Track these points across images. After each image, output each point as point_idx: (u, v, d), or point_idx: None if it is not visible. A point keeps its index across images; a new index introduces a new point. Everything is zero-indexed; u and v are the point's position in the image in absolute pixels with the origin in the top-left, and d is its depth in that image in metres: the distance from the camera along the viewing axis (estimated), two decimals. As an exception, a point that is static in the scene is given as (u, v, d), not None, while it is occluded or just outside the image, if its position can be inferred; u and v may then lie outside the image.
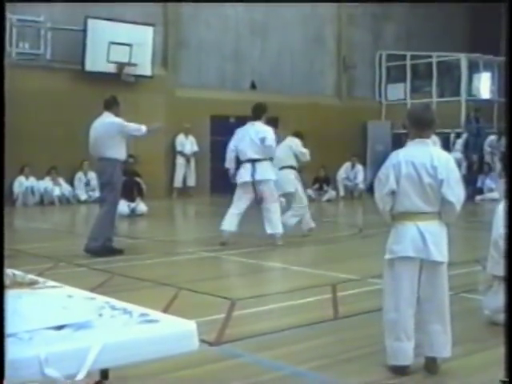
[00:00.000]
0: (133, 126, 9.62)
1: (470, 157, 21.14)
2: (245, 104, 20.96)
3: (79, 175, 18.56)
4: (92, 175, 18.65)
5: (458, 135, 21.45)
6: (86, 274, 8.09)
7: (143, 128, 9.62)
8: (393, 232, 4.59)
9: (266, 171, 10.38)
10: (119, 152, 9.55)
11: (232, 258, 9.48)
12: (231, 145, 10.76)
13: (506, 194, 4.41)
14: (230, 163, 10.71)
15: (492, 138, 21.10)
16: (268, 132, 10.50)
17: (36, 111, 17.30)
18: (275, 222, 10.44)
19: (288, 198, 11.61)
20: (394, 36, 25.40)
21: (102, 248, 9.34)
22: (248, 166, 10.38)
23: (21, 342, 2.22)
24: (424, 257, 4.43)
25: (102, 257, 9.12)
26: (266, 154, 10.44)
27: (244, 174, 10.41)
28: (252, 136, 10.43)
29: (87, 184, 18.58)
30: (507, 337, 2.80)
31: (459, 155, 20.27)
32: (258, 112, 10.75)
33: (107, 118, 9.66)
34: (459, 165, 18.63)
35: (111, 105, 9.77)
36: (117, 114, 9.72)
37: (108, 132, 9.47)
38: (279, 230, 10.44)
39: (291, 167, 11.55)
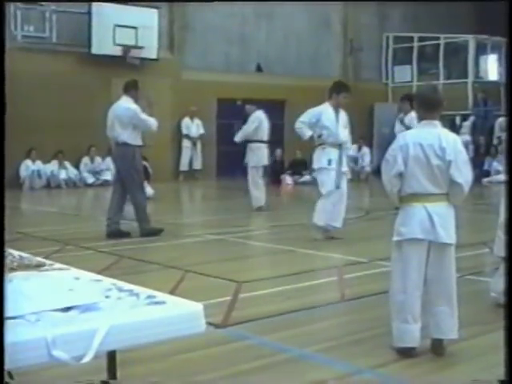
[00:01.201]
0: (145, 120, 9.56)
1: (477, 139, 21.06)
2: (251, 87, 21.15)
3: (85, 160, 18.58)
4: (98, 160, 18.70)
5: (465, 118, 21.34)
6: (93, 257, 8.11)
7: (154, 125, 9.58)
8: (401, 214, 4.58)
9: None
10: (135, 138, 9.58)
11: (238, 241, 9.48)
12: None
13: (505, 195, 4.41)
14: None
15: (501, 119, 20.99)
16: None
17: (42, 94, 17.29)
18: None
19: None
20: (401, 18, 25.24)
21: (150, 229, 9.56)
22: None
23: (28, 324, 2.22)
24: (432, 239, 4.41)
25: (149, 236, 9.38)
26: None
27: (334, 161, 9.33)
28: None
29: (96, 172, 18.62)
30: (507, 337, 2.78)
31: (467, 137, 20.18)
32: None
33: (124, 103, 9.63)
34: (467, 147, 18.58)
35: (130, 88, 9.72)
36: (135, 98, 9.69)
37: (122, 117, 9.48)
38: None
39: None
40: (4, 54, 2.56)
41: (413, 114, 12.29)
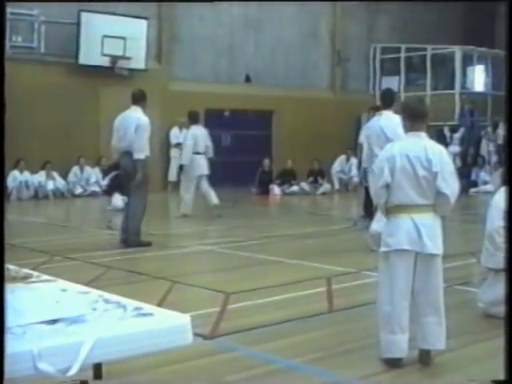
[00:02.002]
0: (142, 140, 9.49)
1: (464, 150, 21.15)
2: (239, 97, 21.20)
3: (75, 169, 18.55)
4: (88, 170, 18.66)
5: (454, 130, 21.43)
6: (81, 268, 8.07)
7: (141, 153, 9.47)
8: (387, 225, 4.59)
9: None
10: (144, 148, 9.61)
11: (227, 252, 9.47)
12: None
13: (506, 194, 4.40)
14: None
15: (488, 130, 21.13)
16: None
17: (30, 105, 17.24)
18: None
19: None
20: (388, 29, 25.38)
21: (139, 242, 9.58)
22: None
23: (14, 337, 2.21)
24: (419, 249, 4.43)
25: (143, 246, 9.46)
26: None
27: None
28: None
29: (86, 182, 18.59)
30: (507, 339, 2.79)
31: (458, 149, 20.26)
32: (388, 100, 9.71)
33: (134, 113, 9.62)
34: (455, 158, 18.67)
35: (139, 99, 9.73)
36: (144, 108, 9.71)
37: (132, 127, 9.44)
38: None
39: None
40: (4, 54, 2.55)
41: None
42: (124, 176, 9.79)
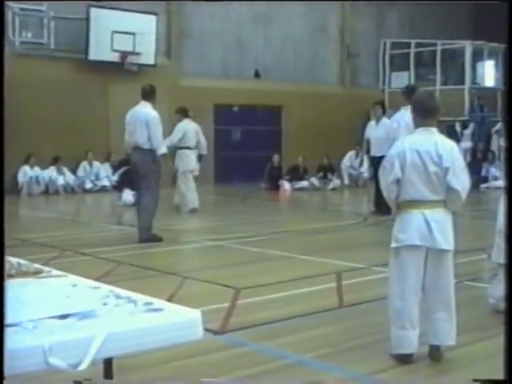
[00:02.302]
0: (157, 137, 9.56)
1: (474, 145, 21.08)
2: (248, 93, 21.18)
3: (84, 164, 18.60)
4: (97, 165, 18.71)
5: (465, 126, 21.35)
6: (91, 263, 8.10)
7: (160, 148, 9.58)
8: (398, 220, 4.57)
9: None
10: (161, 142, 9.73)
11: (236, 247, 9.48)
12: None
13: (505, 200, 4.41)
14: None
15: (499, 126, 21.03)
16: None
17: (40, 101, 17.31)
18: None
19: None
20: (398, 24, 25.31)
21: (151, 236, 9.62)
22: None
23: (25, 331, 2.22)
24: (430, 245, 4.41)
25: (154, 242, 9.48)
26: None
27: None
28: None
29: (96, 177, 18.63)
30: (507, 340, 2.78)
31: (469, 144, 20.18)
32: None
33: (144, 108, 9.68)
34: (466, 154, 18.60)
35: (149, 94, 9.77)
36: (154, 104, 9.76)
37: (142, 122, 9.50)
38: None
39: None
40: (3, 53, 2.56)
41: (385, 120, 12.60)
42: (134, 171, 9.82)
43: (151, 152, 9.55)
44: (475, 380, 3.87)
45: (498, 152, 20.65)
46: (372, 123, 13.34)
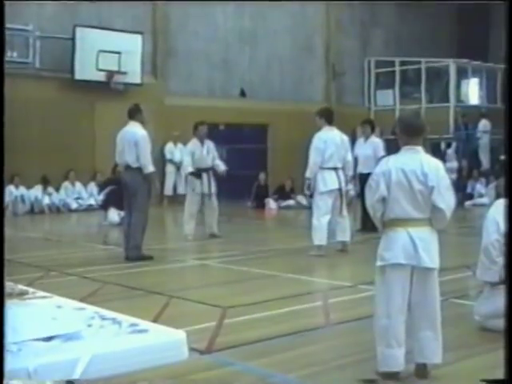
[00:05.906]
0: (145, 156, 9.58)
1: (459, 163, 21.18)
2: (234, 111, 21.22)
3: (65, 184, 18.51)
4: (79, 185, 18.64)
5: (449, 144, 21.46)
6: (77, 283, 8.05)
7: (146, 168, 9.59)
8: (384, 239, 4.59)
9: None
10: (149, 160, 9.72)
11: (223, 266, 9.46)
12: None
13: (506, 194, 4.41)
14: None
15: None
16: None
17: (25, 120, 17.24)
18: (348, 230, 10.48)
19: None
20: (383, 42, 25.47)
21: (140, 255, 9.63)
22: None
23: (9, 354, 2.20)
24: (415, 263, 4.43)
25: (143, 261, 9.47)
26: None
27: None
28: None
29: (78, 197, 18.56)
30: (507, 340, 2.79)
31: (455, 164, 20.25)
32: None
33: (133, 127, 9.74)
34: (452, 173, 18.67)
35: (135, 113, 9.84)
36: (142, 122, 9.83)
37: (131, 142, 9.56)
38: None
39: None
40: (3, 52, 2.56)
41: (374, 139, 12.90)
42: (125, 190, 9.83)
43: (141, 171, 9.59)
44: (482, 380, 3.88)
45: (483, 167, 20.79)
46: (361, 140, 13.55)
